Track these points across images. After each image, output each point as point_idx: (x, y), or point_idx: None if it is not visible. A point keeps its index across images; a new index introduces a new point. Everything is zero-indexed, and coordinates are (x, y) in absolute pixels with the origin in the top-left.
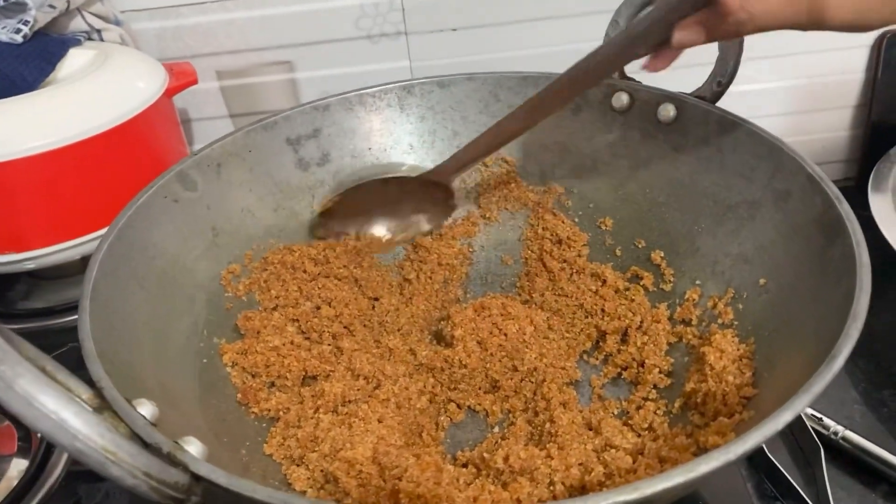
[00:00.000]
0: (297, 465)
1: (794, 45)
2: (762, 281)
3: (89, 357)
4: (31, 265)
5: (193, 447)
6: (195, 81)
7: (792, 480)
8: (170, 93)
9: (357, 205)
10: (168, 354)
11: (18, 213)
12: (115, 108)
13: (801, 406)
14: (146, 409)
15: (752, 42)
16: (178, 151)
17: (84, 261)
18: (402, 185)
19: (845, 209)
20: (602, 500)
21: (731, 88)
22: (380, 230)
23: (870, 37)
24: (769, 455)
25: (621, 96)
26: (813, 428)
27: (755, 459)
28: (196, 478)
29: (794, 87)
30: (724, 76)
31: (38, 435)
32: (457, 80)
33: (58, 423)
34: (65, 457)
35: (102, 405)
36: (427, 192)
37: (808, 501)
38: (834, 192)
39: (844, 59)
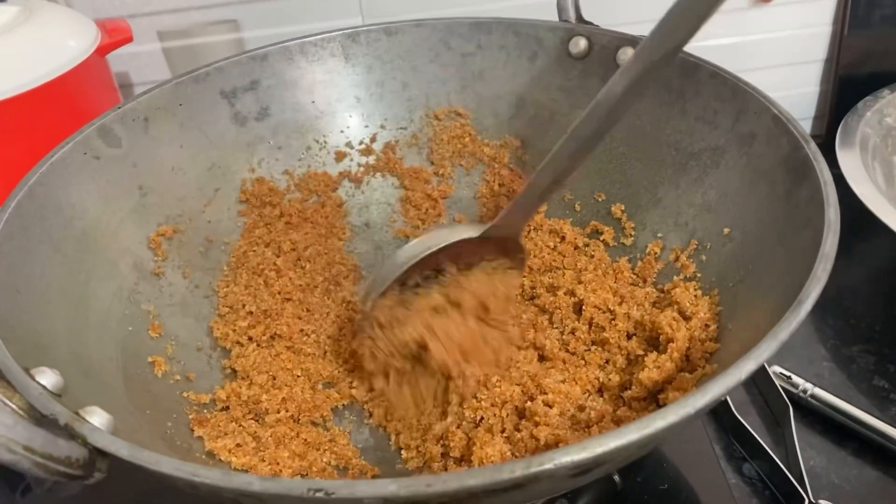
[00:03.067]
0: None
1: None
2: (726, 230)
3: None
4: None
5: (97, 417)
6: (130, 39)
7: (761, 441)
8: (102, 51)
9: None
10: (87, 321)
11: None
12: (38, 65)
13: (765, 354)
14: (47, 377)
15: None
16: None
17: None
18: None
19: (812, 149)
20: (547, 462)
21: (693, 44)
22: None
23: None
24: (737, 415)
25: (579, 41)
26: (782, 386)
27: (722, 420)
28: (100, 451)
29: (758, 41)
30: None
31: None
32: (405, 28)
33: None
34: None
35: None
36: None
37: (778, 462)
38: (801, 131)
39: (810, 11)
